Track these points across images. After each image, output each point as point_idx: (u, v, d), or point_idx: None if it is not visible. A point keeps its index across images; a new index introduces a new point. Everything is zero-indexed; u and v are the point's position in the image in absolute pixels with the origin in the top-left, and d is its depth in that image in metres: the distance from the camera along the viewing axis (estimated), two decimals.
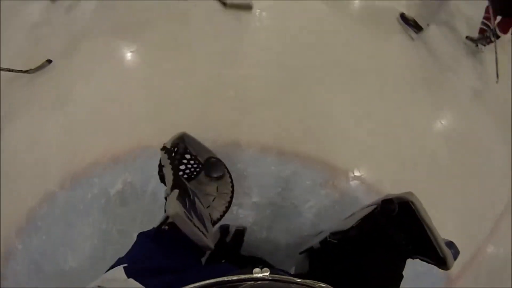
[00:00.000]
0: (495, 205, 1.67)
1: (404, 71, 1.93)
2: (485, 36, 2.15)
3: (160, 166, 0.82)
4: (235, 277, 0.42)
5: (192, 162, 0.90)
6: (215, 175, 0.93)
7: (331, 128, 1.56)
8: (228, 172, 0.95)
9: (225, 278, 0.42)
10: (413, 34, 2.10)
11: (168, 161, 0.79)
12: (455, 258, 0.67)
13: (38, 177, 1.40)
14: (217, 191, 0.92)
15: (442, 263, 0.66)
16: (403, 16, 2.12)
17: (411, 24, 2.07)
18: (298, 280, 0.43)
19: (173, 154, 0.84)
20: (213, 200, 0.91)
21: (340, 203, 1.37)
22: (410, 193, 0.67)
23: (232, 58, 1.68)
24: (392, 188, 1.41)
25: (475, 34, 2.21)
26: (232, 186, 0.93)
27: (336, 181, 1.40)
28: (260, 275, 0.43)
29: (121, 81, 1.62)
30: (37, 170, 1.43)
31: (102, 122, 1.49)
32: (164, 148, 0.82)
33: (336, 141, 1.53)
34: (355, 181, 1.43)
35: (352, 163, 1.47)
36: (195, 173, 0.91)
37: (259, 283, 0.42)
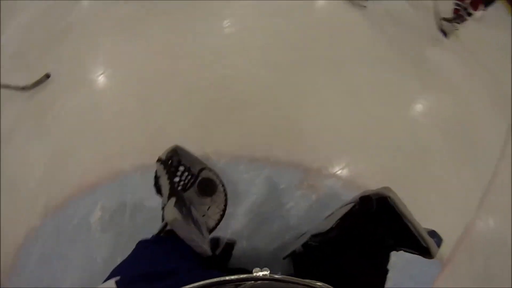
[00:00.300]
0: (480, 181, 1.67)
1: (375, 53, 1.96)
2: (459, 15, 2.28)
3: (156, 178, 0.85)
4: (234, 277, 0.43)
5: (186, 174, 0.93)
6: (206, 195, 0.96)
7: (301, 127, 1.55)
8: (221, 182, 0.98)
9: (225, 278, 0.43)
10: (364, 2, 2.17)
11: (164, 171, 0.83)
12: (438, 246, 0.70)
13: (21, 213, 1.38)
14: (211, 200, 0.94)
15: (426, 252, 0.69)
16: None
17: None
18: (298, 280, 0.44)
19: (168, 166, 0.87)
20: (207, 209, 0.93)
21: (319, 202, 1.37)
22: (387, 188, 0.69)
23: (197, 71, 1.68)
24: (372, 180, 1.42)
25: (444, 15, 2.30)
26: (226, 195, 0.96)
27: (312, 181, 1.40)
28: (260, 274, 0.44)
29: (94, 103, 1.63)
30: (20, 205, 1.40)
31: (76, 149, 1.49)
32: (159, 160, 0.86)
33: (308, 139, 1.52)
34: (332, 178, 1.43)
35: (327, 161, 1.47)
36: (189, 184, 0.94)
37: (259, 283, 0.43)
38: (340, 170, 1.47)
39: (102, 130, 1.53)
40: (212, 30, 1.88)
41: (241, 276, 0.43)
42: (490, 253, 1.49)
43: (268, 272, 0.44)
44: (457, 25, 2.31)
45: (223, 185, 0.98)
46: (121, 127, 1.53)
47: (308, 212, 1.35)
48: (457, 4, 2.30)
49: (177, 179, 0.90)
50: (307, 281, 0.44)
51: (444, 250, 1.36)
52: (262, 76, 1.71)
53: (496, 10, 2.51)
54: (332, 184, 1.42)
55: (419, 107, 1.87)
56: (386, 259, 0.72)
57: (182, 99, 1.61)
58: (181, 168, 0.92)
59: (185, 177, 0.92)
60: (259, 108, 1.60)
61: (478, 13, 2.32)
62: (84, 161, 1.44)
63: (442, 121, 1.82)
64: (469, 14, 2.28)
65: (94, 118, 1.58)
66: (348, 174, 1.47)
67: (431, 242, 0.68)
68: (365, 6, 2.18)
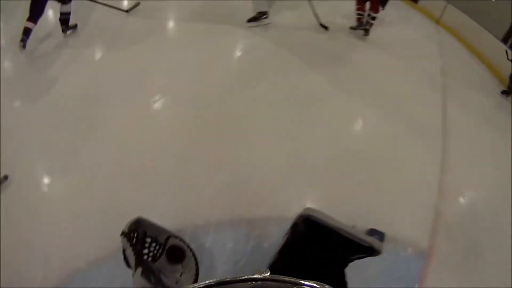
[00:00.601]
0: (433, 165, 1.79)
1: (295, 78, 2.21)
2: (363, 22, 2.69)
3: (123, 252, 0.86)
4: (234, 278, 0.47)
5: (153, 244, 0.95)
6: (176, 262, 0.98)
7: (234, 183, 1.62)
8: (189, 247, 1.01)
9: (226, 279, 0.47)
10: (266, 20, 2.51)
11: (128, 243, 0.85)
12: (382, 241, 0.82)
13: None
14: (182, 267, 0.95)
15: (371, 250, 0.81)
16: (250, 20, 2.53)
17: (259, 17, 2.53)
18: (297, 280, 0.47)
19: (133, 238, 0.90)
20: (180, 276, 0.92)
21: (272, 247, 1.34)
22: (308, 208, 0.82)
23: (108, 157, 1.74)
24: (321, 206, 1.39)
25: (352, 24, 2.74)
26: (196, 259, 0.98)
27: (259, 230, 1.44)
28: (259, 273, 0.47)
29: (39, 209, 1.58)
30: None
31: (29, 258, 1.40)
32: (123, 233, 0.88)
33: (247, 190, 1.58)
34: (279, 221, 1.45)
35: (270, 205, 1.54)
36: (158, 254, 0.95)
37: (259, 283, 0.47)
38: (285, 210, 1.51)
39: (51, 235, 1.45)
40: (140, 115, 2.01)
41: (241, 276, 0.47)
42: (470, 228, 1.53)
43: (268, 273, 0.47)
44: (366, 31, 2.73)
45: (191, 250, 1.01)
46: (67, 228, 1.48)
47: (264, 261, 1.34)
48: (359, 14, 2.74)
49: (145, 250, 0.91)
50: (303, 281, 0.48)
51: (423, 241, 1.38)
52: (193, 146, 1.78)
53: (396, 8, 3.08)
54: (280, 226, 1.41)
55: (350, 117, 2.08)
56: (341, 272, 0.78)
57: (117, 187, 1.63)
58: (148, 240, 0.94)
59: (153, 247, 0.94)
60: (189, 180, 1.63)
61: (380, 14, 2.72)
62: (40, 268, 1.34)
63: (377, 125, 2.04)
64: (373, 18, 2.70)
65: (41, 222, 1.49)
66: (294, 209, 1.50)
67: (371, 240, 0.81)
68: (270, 22, 2.51)
